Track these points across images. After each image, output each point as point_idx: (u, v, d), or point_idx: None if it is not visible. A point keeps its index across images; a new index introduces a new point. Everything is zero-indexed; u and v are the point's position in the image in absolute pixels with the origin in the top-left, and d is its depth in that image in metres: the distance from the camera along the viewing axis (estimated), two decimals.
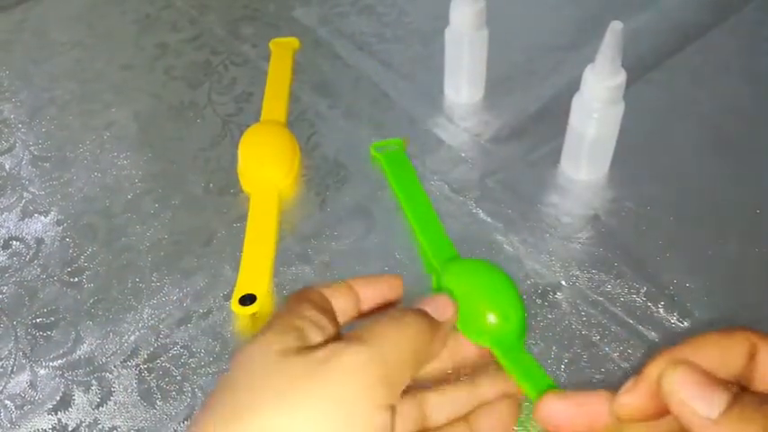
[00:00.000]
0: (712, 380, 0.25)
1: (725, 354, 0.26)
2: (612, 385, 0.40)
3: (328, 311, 0.31)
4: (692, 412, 0.25)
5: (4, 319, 0.46)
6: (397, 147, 0.53)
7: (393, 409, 0.26)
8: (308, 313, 0.29)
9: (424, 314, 0.31)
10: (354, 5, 0.67)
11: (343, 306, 0.32)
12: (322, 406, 0.24)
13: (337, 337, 0.29)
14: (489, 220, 0.49)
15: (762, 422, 0.23)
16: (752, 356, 0.26)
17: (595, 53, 0.44)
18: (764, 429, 0.23)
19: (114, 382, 0.42)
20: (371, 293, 0.34)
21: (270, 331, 0.28)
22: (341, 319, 0.32)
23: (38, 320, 0.45)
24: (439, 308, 0.32)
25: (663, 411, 0.26)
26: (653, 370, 0.26)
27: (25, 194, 0.53)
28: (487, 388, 0.35)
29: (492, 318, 0.36)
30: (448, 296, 0.34)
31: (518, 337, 0.36)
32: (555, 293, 0.44)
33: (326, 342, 0.28)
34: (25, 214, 0.52)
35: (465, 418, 0.34)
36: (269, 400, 0.25)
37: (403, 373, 0.28)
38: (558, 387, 0.33)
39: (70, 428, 0.41)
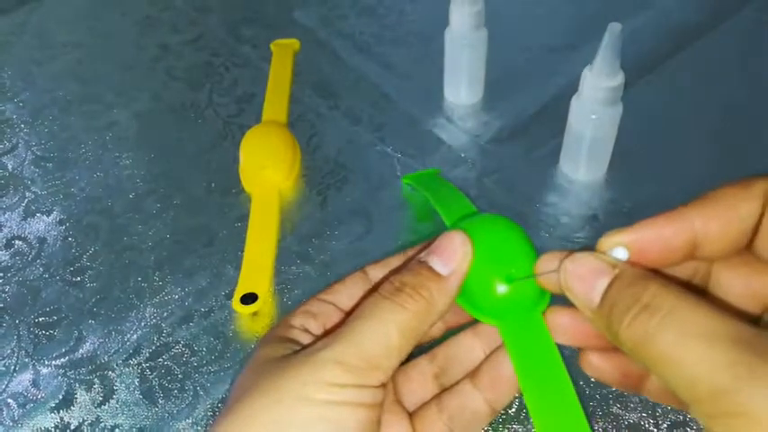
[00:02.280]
0: (597, 267, 0.25)
1: (747, 203, 0.25)
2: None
3: (320, 314, 0.31)
4: (581, 305, 0.25)
5: (7, 317, 0.46)
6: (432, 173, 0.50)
7: (370, 405, 0.26)
8: (296, 321, 0.30)
9: (420, 284, 0.28)
10: (354, 7, 0.67)
11: (352, 291, 0.32)
12: (295, 404, 0.26)
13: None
14: None
15: (628, 300, 0.23)
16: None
17: (594, 54, 0.44)
18: (630, 304, 0.23)
19: (116, 381, 0.42)
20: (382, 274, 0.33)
21: (261, 344, 0.30)
22: (352, 302, 0.32)
23: (40, 319, 0.46)
24: (444, 258, 0.29)
25: None
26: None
27: (28, 194, 0.53)
28: (499, 338, 0.31)
29: (491, 284, 0.29)
30: (461, 237, 0.29)
31: (530, 308, 0.29)
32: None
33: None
34: (28, 214, 0.52)
35: (472, 373, 0.32)
36: (254, 397, 0.26)
37: (381, 364, 0.26)
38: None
39: (72, 427, 0.41)
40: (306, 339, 0.30)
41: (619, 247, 0.25)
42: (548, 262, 0.28)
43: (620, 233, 0.25)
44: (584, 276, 0.25)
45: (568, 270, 0.26)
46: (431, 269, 0.29)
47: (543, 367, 0.28)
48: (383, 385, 0.27)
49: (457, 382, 0.32)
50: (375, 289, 0.30)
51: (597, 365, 0.28)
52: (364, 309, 0.28)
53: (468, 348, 0.32)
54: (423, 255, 0.29)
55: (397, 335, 0.27)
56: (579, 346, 0.29)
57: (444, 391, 0.32)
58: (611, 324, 0.23)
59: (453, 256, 0.29)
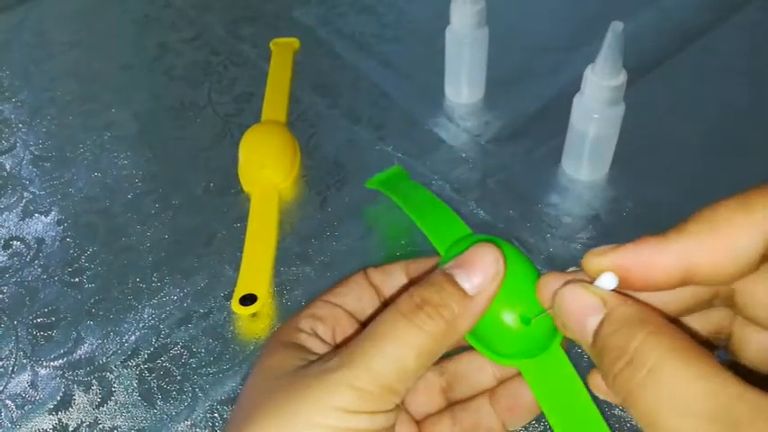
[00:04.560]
0: (587, 303, 0.24)
1: (747, 234, 0.22)
2: None
3: (328, 317, 0.30)
4: (579, 343, 0.24)
5: (5, 318, 0.46)
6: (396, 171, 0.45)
7: (382, 429, 0.25)
8: (303, 325, 0.29)
9: (442, 302, 0.26)
10: (354, 5, 0.67)
11: (358, 293, 0.31)
12: (305, 430, 0.25)
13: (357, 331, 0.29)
14: (490, 220, 0.49)
15: (615, 349, 0.22)
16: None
17: (596, 53, 0.44)
18: (617, 354, 0.21)
19: (115, 382, 0.42)
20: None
21: (268, 349, 0.28)
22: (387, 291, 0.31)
23: (38, 320, 0.45)
24: (473, 274, 0.26)
25: None
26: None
27: (26, 194, 0.53)
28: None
29: (507, 325, 0.27)
30: (494, 252, 0.26)
31: (549, 342, 0.27)
32: None
33: (328, 354, 0.28)
34: (26, 214, 0.52)
35: (490, 393, 0.31)
36: (264, 418, 0.25)
37: (395, 388, 0.25)
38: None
39: (71, 428, 0.41)
40: (316, 345, 0.29)
41: (607, 273, 0.24)
42: (549, 284, 0.26)
43: (603, 254, 0.24)
44: (575, 313, 0.24)
45: (561, 307, 0.24)
46: (455, 285, 0.26)
47: (571, 402, 0.27)
48: (397, 407, 0.26)
49: (472, 399, 0.31)
50: (392, 300, 0.28)
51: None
52: (380, 327, 0.26)
53: (479, 368, 0.31)
54: (449, 265, 0.27)
55: (413, 358, 0.25)
56: None
57: (457, 404, 0.31)
58: (604, 372, 0.22)
59: (483, 273, 0.26)
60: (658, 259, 0.23)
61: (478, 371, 0.31)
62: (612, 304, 0.23)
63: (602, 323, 0.23)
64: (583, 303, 0.24)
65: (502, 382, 0.31)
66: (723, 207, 0.23)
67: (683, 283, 0.23)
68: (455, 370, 0.32)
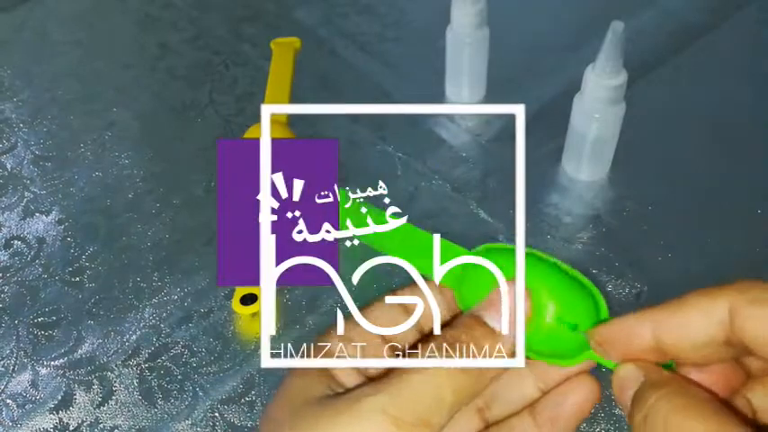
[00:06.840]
0: (632, 373, 0.26)
1: (706, 317, 0.24)
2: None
3: (360, 342, 0.29)
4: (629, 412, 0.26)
5: (6, 318, 0.46)
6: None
7: None
8: (335, 350, 0.28)
9: (474, 341, 0.26)
10: (355, 5, 0.67)
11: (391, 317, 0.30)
12: None
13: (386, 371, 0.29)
14: (490, 220, 0.49)
15: (643, 399, 0.24)
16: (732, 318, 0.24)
17: (596, 53, 0.44)
18: (641, 406, 0.24)
19: (115, 382, 0.42)
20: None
21: (295, 372, 0.28)
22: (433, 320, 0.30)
23: (39, 320, 0.45)
24: (501, 316, 0.27)
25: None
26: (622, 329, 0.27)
27: (27, 194, 0.53)
28: (555, 371, 0.30)
29: (559, 332, 0.27)
30: (518, 292, 0.27)
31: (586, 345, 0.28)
32: None
33: (358, 385, 0.27)
34: (27, 214, 0.52)
35: (530, 408, 0.30)
36: None
37: (431, 420, 0.25)
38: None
39: (71, 428, 0.41)
40: (347, 375, 0.28)
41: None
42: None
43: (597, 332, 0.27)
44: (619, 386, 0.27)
45: (621, 379, 0.27)
46: (485, 325, 0.27)
47: None
48: None
49: (516, 415, 0.31)
50: (426, 339, 0.29)
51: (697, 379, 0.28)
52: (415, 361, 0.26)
53: (519, 385, 0.31)
54: (475, 309, 0.28)
55: (450, 393, 0.25)
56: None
57: (495, 425, 0.31)
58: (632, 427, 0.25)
59: (510, 314, 0.27)
60: (635, 331, 0.26)
61: (515, 387, 0.31)
62: (647, 373, 0.26)
63: (639, 388, 0.25)
64: (627, 376, 0.26)
65: (545, 393, 0.31)
66: (695, 293, 0.25)
67: (660, 355, 0.26)
68: (494, 390, 0.31)
